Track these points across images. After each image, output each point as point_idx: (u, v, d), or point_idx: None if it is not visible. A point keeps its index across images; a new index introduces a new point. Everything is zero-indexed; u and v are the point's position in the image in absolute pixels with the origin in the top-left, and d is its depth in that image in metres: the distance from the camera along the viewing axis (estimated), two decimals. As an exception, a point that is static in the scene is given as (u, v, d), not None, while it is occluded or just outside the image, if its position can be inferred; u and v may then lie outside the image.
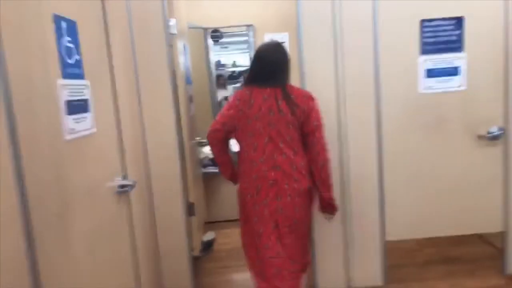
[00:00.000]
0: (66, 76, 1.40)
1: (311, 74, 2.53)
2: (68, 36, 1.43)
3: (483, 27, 2.51)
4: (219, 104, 4.34)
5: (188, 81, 3.30)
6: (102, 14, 1.83)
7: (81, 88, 1.51)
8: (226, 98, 4.41)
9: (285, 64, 2.19)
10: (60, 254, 1.31)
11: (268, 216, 2.11)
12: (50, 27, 1.34)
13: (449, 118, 2.58)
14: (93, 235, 1.57)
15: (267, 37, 4.00)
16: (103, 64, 1.82)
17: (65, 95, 1.38)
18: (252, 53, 2.63)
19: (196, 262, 3.12)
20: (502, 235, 2.71)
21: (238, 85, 4.44)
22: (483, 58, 2.54)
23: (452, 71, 2.54)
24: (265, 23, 4.04)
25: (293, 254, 2.17)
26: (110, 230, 1.76)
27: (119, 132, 1.94)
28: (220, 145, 2.24)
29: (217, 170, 3.99)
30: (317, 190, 2.20)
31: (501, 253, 2.79)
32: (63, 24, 1.40)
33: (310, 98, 2.15)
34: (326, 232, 2.65)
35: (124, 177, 1.92)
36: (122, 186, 1.86)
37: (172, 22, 2.50)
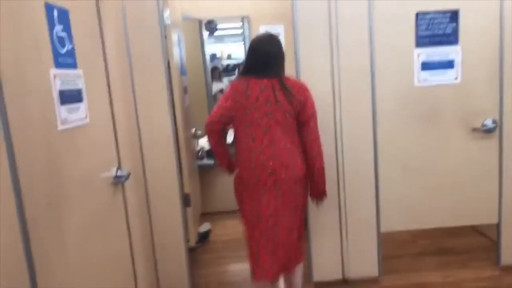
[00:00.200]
0: (58, 65, 1.39)
1: (307, 67, 2.53)
2: (60, 24, 1.42)
3: (479, 20, 2.51)
4: (214, 96, 4.33)
5: (182, 72, 3.28)
6: (95, 3, 1.81)
7: (74, 78, 1.50)
8: (221, 91, 4.39)
9: (279, 55, 2.22)
10: (54, 244, 1.30)
11: (266, 203, 2.17)
12: (42, 16, 1.32)
13: (444, 110, 2.59)
14: (87, 226, 1.57)
15: (263, 29, 3.97)
16: (96, 54, 1.81)
17: (57, 85, 1.37)
18: (247, 45, 2.64)
19: (192, 253, 3.13)
20: (496, 226, 2.73)
21: (233, 77, 4.42)
22: (478, 51, 2.54)
23: (447, 64, 2.54)
24: (261, 15, 4.01)
25: (288, 235, 2.24)
26: (104, 221, 1.76)
27: (113, 122, 1.93)
28: (218, 136, 2.28)
29: (212, 162, 4.01)
30: (310, 177, 2.26)
31: (495, 244, 2.81)
32: (55, 13, 1.39)
33: (305, 88, 2.21)
34: (321, 224, 2.66)
35: (119, 168, 1.91)
36: (117, 177, 1.85)
37: (166, 12, 2.48)
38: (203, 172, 4.08)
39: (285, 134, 2.15)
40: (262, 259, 2.28)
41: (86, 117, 1.58)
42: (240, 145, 2.22)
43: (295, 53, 2.52)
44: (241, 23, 4.08)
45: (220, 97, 2.30)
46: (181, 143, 2.77)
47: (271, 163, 2.13)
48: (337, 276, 2.72)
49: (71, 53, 1.49)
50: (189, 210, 2.86)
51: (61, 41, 1.42)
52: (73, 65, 1.51)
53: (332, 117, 2.56)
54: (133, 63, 2.40)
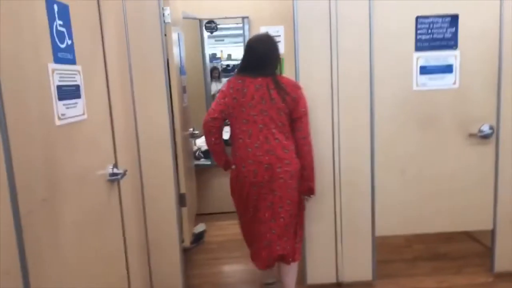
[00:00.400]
0: (57, 60, 1.38)
1: (306, 69, 2.53)
2: (60, 20, 1.41)
3: (478, 25, 2.52)
4: (213, 97, 4.32)
5: (182, 72, 3.28)
6: (95, -1, 1.80)
7: (72, 74, 1.49)
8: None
9: (274, 55, 2.34)
10: (47, 240, 1.29)
11: (264, 196, 2.28)
12: (42, 10, 1.32)
13: (441, 115, 2.59)
14: (82, 223, 1.56)
15: (263, 30, 3.98)
16: (95, 50, 1.80)
17: (56, 80, 1.36)
18: (246, 46, 2.71)
19: (187, 254, 3.12)
20: (491, 233, 2.73)
21: (232, 78, 4.41)
22: (477, 56, 2.55)
23: (446, 69, 2.55)
24: (261, 16, 4.01)
25: (284, 229, 2.32)
26: (99, 218, 1.75)
27: (111, 120, 1.92)
28: (217, 134, 2.36)
29: (209, 163, 4.00)
30: (302, 171, 2.35)
31: (489, 251, 2.82)
32: (55, 7, 1.38)
33: (298, 87, 2.33)
34: (316, 227, 2.66)
35: (115, 165, 1.90)
36: (113, 175, 1.84)
37: (167, 10, 2.48)
38: (199, 173, 4.07)
39: (280, 131, 2.26)
40: (258, 252, 2.40)
41: (83, 113, 1.57)
42: (237, 142, 2.32)
43: (295, 54, 2.52)
44: (241, 23, 4.08)
45: (217, 95, 2.38)
46: (179, 142, 2.77)
47: (267, 158, 2.24)
48: (331, 279, 2.72)
49: (70, 49, 1.48)
50: (184, 210, 2.85)
51: (61, 36, 1.41)
52: (72, 61, 1.50)
53: (330, 119, 2.57)
54: (132, 61, 2.39)
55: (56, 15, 1.39)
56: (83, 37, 1.61)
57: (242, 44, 4.20)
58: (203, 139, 2.62)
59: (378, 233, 2.68)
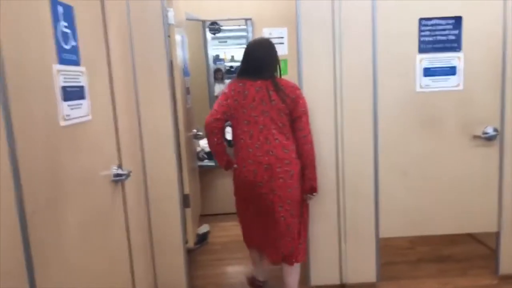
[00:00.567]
0: (62, 61, 1.39)
1: (309, 71, 2.54)
2: (65, 21, 1.42)
3: (482, 27, 2.51)
4: (216, 98, 4.32)
5: (185, 73, 3.28)
6: (100, 1, 1.81)
7: (77, 75, 1.50)
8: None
9: (272, 59, 2.40)
10: (52, 241, 1.30)
11: (264, 196, 2.32)
12: (47, 12, 1.33)
13: (445, 117, 2.59)
14: (86, 224, 1.56)
15: (266, 32, 3.99)
16: (99, 51, 1.81)
17: (60, 81, 1.37)
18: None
19: (190, 255, 3.13)
20: (495, 235, 2.72)
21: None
22: (481, 58, 2.54)
23: (449, 71, 2.55)
24: (264, 17, 4.03)
25: (286, 230, 2.36)
26: (104, 219, 1.75)
27: (115, 120, 1.93)
28: (220, 134, 2.42)
29: (213, 164, 4.00)
30: (303, 170, 2.37)
31: (493, 253, 2.80)
32: (60, 9, 1.39)
33: (296, 88, 2.38)
34: (320, 228, 2.66)
35: (119, 166, 1.91)
36: (117, 175, 1.85)
37: (170, 12, 2.48)
38: (203, 174, 4.08)
39: (280, 131, 2.31)
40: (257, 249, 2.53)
41: (88, 114, 1.58)
42: (239, 142, 2.38)
43: (298, 55, 2.53)
44: (245, 25, 4.09)
45: (219, 97, 2.44)
46: (182, 143, 2.77)
47: (266, 159, 2.29)
48: (335, 281, 2.71)
49: (74, 50, 1.49)
50: (188, 211, 2.85)
51: (65, 37, 1.42)
52: (76, 62, 1.51)
53: (333, 120, 2.57)
54: (136, 62, 2.40)
55: (61, 17, 1.40)
56: (87, 38, 1.62)
57: (245, 45, 4.19)
58: (206, 140, 2.63)
59: (382, 234, 2.67)
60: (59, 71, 1.36)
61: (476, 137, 2.58)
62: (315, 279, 2.70)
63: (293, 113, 2.32)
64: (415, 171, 2.62)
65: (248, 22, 4.06)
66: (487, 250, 3.15)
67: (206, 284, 2.90)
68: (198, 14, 4.07)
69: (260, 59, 2.38)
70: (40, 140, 1.25)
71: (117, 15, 2.14)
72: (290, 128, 2.34)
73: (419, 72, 2.54)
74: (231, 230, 2.82)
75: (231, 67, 4.58)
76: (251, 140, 2.32)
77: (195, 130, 3.55)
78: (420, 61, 2.53)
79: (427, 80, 2.55)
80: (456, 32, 2.51)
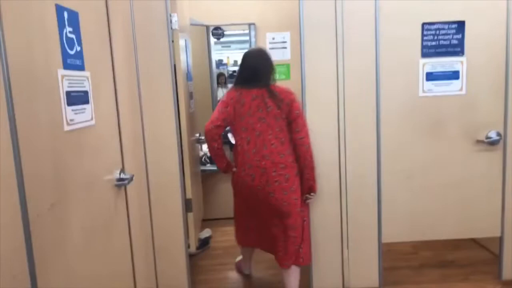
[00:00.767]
0: (66, 66, 1.40)
1: (312, 74, 2.54)
2: (70, 26, 1.43)
3: (485, 31, 2.52)
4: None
5: (189, 78, 3.30)
6: (104, 6, 1.83)
7: (81, 80, 1.51)
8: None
9: (266, 67, 2.50)
10: (55, 245, 1.30)
11: (262, 199, 2.42)
12: (53, 17, 1.34)
13: (448, 121, 2.59)
14: (89, 228, 1.57)
15: (269, 36, 4.01)
16: (104, 56, 1.82)
17: (65, 86, 1.38)
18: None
19: (192, 259, 3.13)
20: (499, 240, 2.71)
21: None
22: (484, 62, 2.54)
23: (452, 75, 2.55)
24: (267, 22, 4.04)
25: (284, 231, 2.45)
26: (106, 223, 1.76)
27: (118, 125, 1.94)
28: (220, 140, 2.53)
29: (215, 168, 4.00)
30: (300, 173, 2.46)
31: (497, 258, 2.79)
32: (65, 15, 1.40)
33: (290, 93, 2.45)
34: (323, 233, 2.65)
35: (122, 170, 1.92)
36: (120, 180, 1.85)
37: (174, 17, 2.50)
38: (205, 178, 4.08)
39: (276, 136, 2.40)
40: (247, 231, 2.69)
41: (91, 118, 1.59)
42: (237, 148, 2.49)
43: (301, 59, 2.54)
44: (248, 30, 4.11)
45: (218, 104, 2.55)
46: (185, 148, 2.78)
47: (263, 163, 2.39)
48: (337, 285, 2.71)
49: (79, 55, 1.50)
50: (191, 215, 2.86)
51: (70, 42, 1.43)
52: (81, 67, 1.52)
53: (336, 124, 2.57)
54: (140, 67, 2.41)
55: (66, 22, 1.41)
56: (92, 43, 1.63)
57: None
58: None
59: (385, 239, 2.67)
60: (63, 76, 1.37)
61: (479, 141, 2.58)
62: (317, 284, 2.70)
63: (289, 116, 2.40)
64: (418, 176, 2.62)
65: (252, 26, 4.08)
66: (490, 255, 3.14)
67: (209, 289, 2.90)
68: (202, 19, 4.09)
69: (255, 68, 2.49)
70: (44, 144, 1.26)
71: (121, 20, 2.15)
72: (287, 132, 2.41)
73: (421, 76, 2.54)
74: (232, 235, 2.83)
75: (234, 71, 4.58)
76: (249, 145, 2.42)
77: (197, 135, 3.56)
78: (423, 65, 2.53)
79: (430, 84, 2.55)
80: (459, 36, 2.51)
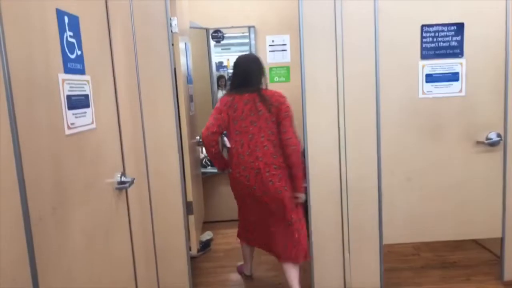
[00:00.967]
0: (67, 70, 1.41)
1: (312, 77, 2.55)
2: (70, 31, 1.44)
3: (484, 33, 2.52)
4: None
5: (189, 81, 3.30)
6: (104, 10, 1.84)
7: (82, 83, 1.52)
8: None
9: (256, 71, 2.62)
10: (57, 249, 1.31)
11: (258, 198, 2.54)
12: (53, 22, 1.35)
13: (448, 123, 2.59)
14: (91, 232, 1.57)
15: (269, 39, 4.02)
16: (104, 60, 1.83)
17: (66, 90, 1.39)
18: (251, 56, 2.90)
19: (193, 262, 3.13)
20: (500, 241, 2.71)
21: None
22: (483, 64, 2.55)
23: (452, 77, 2.55)
24: (267, 25, 4.06)
25: (284, 229, 2.56)
26: (107, 226, 1.76)
27: (119, 128, 1.94)
28: (217, 145, 2.63)
29: (216, 170, 4.00)
30: (289, 171, 2.53)
31: (498, 259, 2.79)
32: (66, 19, 1.41)
33: (280, 96, 2.56)
34: (324, 235, 2.66)
35: (123, 173, 1.92)
36: (121, 183, 1.86)
37: (174, 20, 2.51)
38: (206, 180, 4.08)
39: (268, 138, 2.50)
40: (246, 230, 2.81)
41: (92, 122, 1.60)
42: (232, 150, 2.60)
43: (301, 62, 2.54)
44: (248, 33, 4.12)
45: (213, 111, 2.63)
46: (186, 150, 2.78)
47: (256, 164, 2.49)
48: (339, 287, 2.70)
49: (80, 59, 1.51)
50: (192, 218, 2.86)
51: (71, 46, 1.44)
52: (82, 71, 1.52)
53: (336, 127, 2.57)
54: (140, 70, 2.42)
55: (67, 27, 1.42)
56: (92, 48, 1.64)
57: (248, 52, 4.22)
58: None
59: (386, 241, 2.67)
60: (64, 80, 1.38)
61: (479, 143, 2.58)
62: (318, 286, 2.70)
63: (278, 118, 2.50)
64: (418, 177, 2.62)
65: (251, 29, 4.09)
66: (491, 256, 3.13)
67: (210, 291, 2.90)
68: (202, 23, 4.10)
69: (246, 72, 2.61)
70: (45, 148, 1.26)
71: (121, 23, 2.16)
72: (278, 135, 2.51)
73: (421, 78, 2.55)
74: (233, 237, 2.84)
75: (234, 73, 4.58)
76: (242, 148, 2.53)
77: (198, 137, 3.56)
78: (423, 67, 2.54)
79: (430, 86, 2.55)
80: (458, 38, 2.52)
